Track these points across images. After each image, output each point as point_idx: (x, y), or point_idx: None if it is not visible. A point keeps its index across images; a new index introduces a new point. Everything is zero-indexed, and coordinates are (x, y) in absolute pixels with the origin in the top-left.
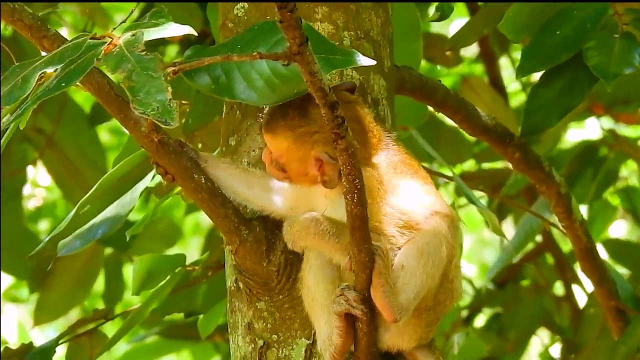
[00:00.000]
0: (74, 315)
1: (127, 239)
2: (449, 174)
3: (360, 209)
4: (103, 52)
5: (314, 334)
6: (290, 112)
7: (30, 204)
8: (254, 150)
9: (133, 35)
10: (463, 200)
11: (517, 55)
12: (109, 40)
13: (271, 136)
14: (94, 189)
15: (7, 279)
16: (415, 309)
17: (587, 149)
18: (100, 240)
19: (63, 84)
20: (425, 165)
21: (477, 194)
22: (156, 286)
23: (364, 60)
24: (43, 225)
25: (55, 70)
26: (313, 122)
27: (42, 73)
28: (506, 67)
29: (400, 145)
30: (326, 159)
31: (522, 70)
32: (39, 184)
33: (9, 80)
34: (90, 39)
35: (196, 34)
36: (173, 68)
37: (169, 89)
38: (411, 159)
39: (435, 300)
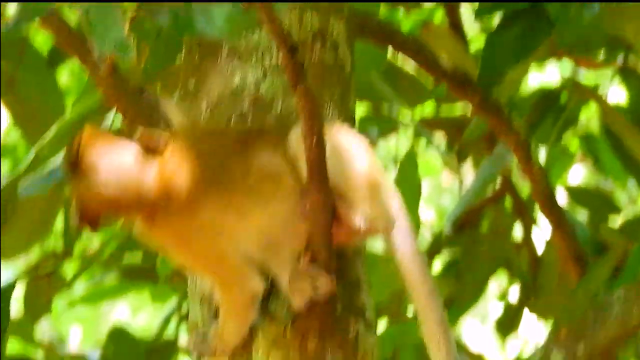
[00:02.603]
0: (33, 256)
1: None
2: (409, 117)
3: (319, 152)
4: None
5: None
6: None
7: None
8: (212, 93)
9: None
10: (422, 145)
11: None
12: None
13: None
14: (53, 131)
15: None
16: None
17: (548, 94)
18: (60, 182)
19: (21, 23)
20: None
21: (437, 139)
22: (115, 226)
23: None
24: (4, 167)
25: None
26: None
27: None
28: (467, 11)
29: None
30: None
31: (481, 12)
32: None
33: None
34: None
35: None
36: (134, 10)
37: (127, 24)
38: None
39: None
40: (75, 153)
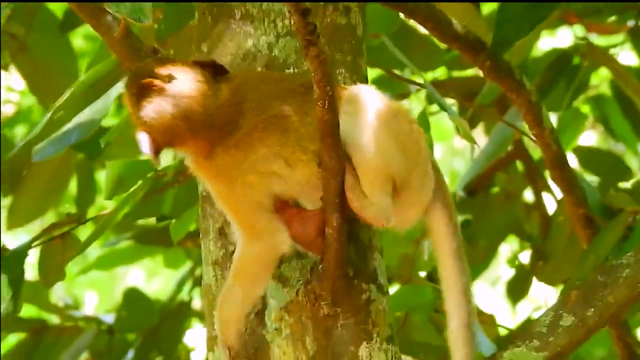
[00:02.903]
0: (48, 219)
1: (102, 147)
2: (421, 81)
3: (331, 115)
4: None
5: None
6: None
7: (7, 110)
8: (225, 56)
9: None
10: (434, 108)
11: None
12: None
13: None
14: (67, 94)
15: None
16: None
17: (560, 58)
18: (73, 146)
19: None
20: (397, 72)
21: (448, 101)
22: (128, 191)
23: None
24: (20, 131)
25: None
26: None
27: None
28: None
29: None
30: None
31: None
32: (13, 89)
33: None
34: None
35: None
36: None
37: None
38: None
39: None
40: (142, 78)
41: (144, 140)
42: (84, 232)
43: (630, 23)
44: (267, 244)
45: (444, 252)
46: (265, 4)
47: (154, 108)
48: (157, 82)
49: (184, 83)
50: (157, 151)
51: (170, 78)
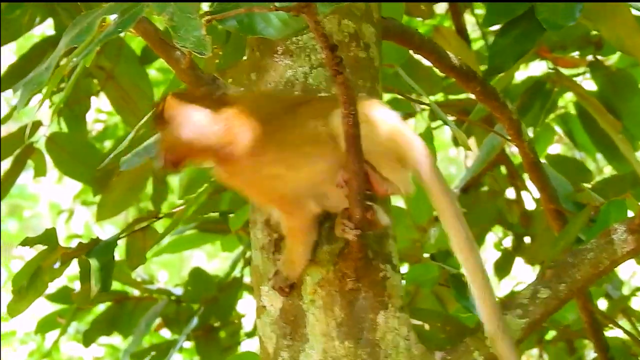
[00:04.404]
0: (130, 214)
1: None
2: (426, 101)
3: (355, 129)
4: None
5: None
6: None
7: (97, 127)
8: (270, 83)
9: None
10: (436, 123)
11: (478, 11)
12: None
13: None
14: (147, 116)
15: (77, 185)
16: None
17: (535, 84)
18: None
19: (119, 29)
20: (407, 94)
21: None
22: (196, 192)
23: None
24: (107, 144)
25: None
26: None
27: (102, 20)
28: (469, 21)
29: None
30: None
31: (486, 22)
32: (102, 110)
33: (77, 26)
34: None
35: None
36: (207, 17)
37: (204, 26)
38: None
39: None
40: (161, 108)
41: (159, 156)
42: (159, 225)
43: (589, 57)
44: (300, 214)
45: (433, 193)
46: (301, 42)
47: (167, 133)
48: (168, 113)
49: (189, 113)
50: (174, 164)
51: (178, 110)
